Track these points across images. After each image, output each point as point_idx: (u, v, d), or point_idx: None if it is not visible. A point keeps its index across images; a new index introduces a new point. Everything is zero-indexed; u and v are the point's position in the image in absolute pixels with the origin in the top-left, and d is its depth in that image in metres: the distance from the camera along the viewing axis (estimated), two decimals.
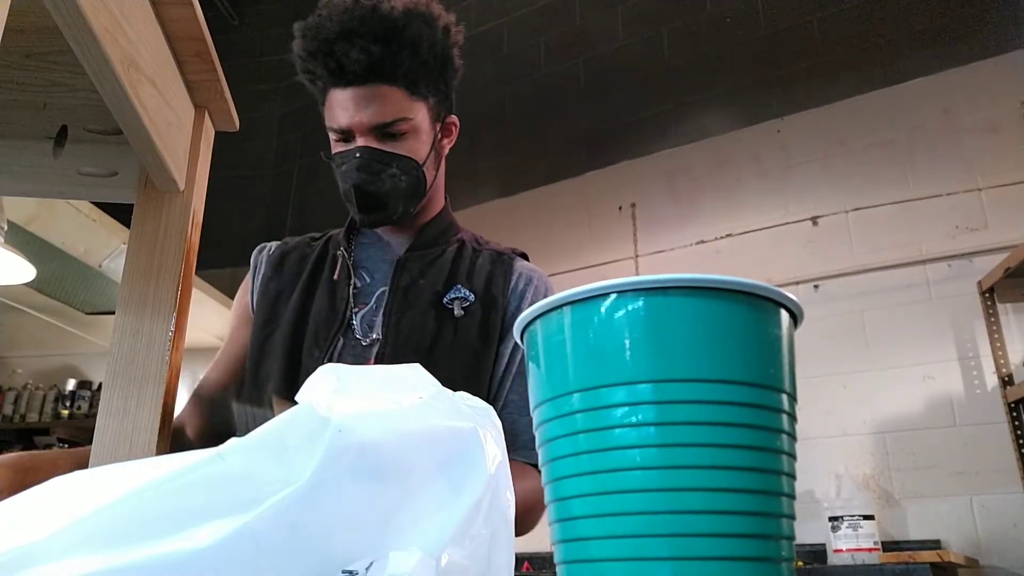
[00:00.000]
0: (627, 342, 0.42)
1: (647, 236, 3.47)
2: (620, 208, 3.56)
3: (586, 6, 3.99)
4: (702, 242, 3.33)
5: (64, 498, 0.28)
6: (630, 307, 0.43)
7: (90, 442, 0.58)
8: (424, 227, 1.17)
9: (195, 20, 0.56)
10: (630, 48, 3.82)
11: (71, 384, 4.48)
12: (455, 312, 1.08)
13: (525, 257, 1.22)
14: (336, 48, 1.02)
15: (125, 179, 0.64)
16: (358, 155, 1.05)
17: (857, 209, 3.05)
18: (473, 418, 0.38)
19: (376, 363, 1.04)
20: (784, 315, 0.46)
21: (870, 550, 2.43)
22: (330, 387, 0.34)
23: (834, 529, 2.50)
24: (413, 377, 0.40)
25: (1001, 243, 2.69)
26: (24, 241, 2.62)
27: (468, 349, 1.06)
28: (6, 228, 1.92)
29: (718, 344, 0.42)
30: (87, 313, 3.82)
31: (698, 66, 3.60)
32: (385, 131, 1.05)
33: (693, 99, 3.55)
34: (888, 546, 2.54)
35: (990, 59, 2.93)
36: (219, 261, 3.58)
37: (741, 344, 0.43)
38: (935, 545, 2.54)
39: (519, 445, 1.01)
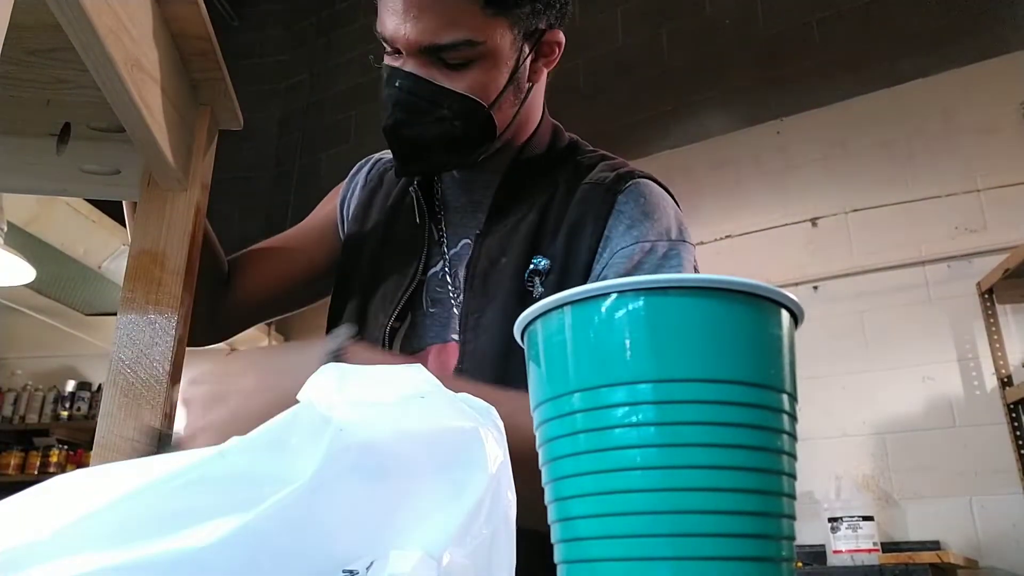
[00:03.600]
0: (627, 342, 0.42)
1: None
2: None
3: (586, 6, 3.99)
4: (701, 243, 3.33)
5: (66, 496, 0.29)
6: (630, 307, 0.43)
7: (90, 444, 0.57)
8: (512, 170, 0.90)
9: (199, 18, 0.57)
10: (630, 48, 3.82)
11: (71, 385, 4.47)
12: (534, 293, 0.82)
13: (650, 179, 0.91)
14: None
15: (128, 177, 0.64)
16: (398, 84, 0.79)
17: (857, 210, 3.05)
18: (475, 418, 0.38)
19: (457, 371, 0.84)
20: (784, 315, 0.46)
21: (869, 551, 2.43)
22: (331, 386, 0.34)
23: (833, 530, 2.50)
24: (414, 377, 0.40)
25: (1000, 244, 2.69)
26: (24, 242, 2.62)
27: None
28: (6, 229, 1.92)
29: (718, 344, 0.42)
30: (87, 314, 3.82)
31: (698, 67, 3.60)
32: (440, 55, 0.78)
33: (693, 100, 3.56)
34: (887, 547, 2.54)
35: (989, 60, 2.93)
36: None
37: (741, 344, 0.43)
38: (935, 546, 2.54)
39: None
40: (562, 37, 0.89)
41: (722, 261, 3.22)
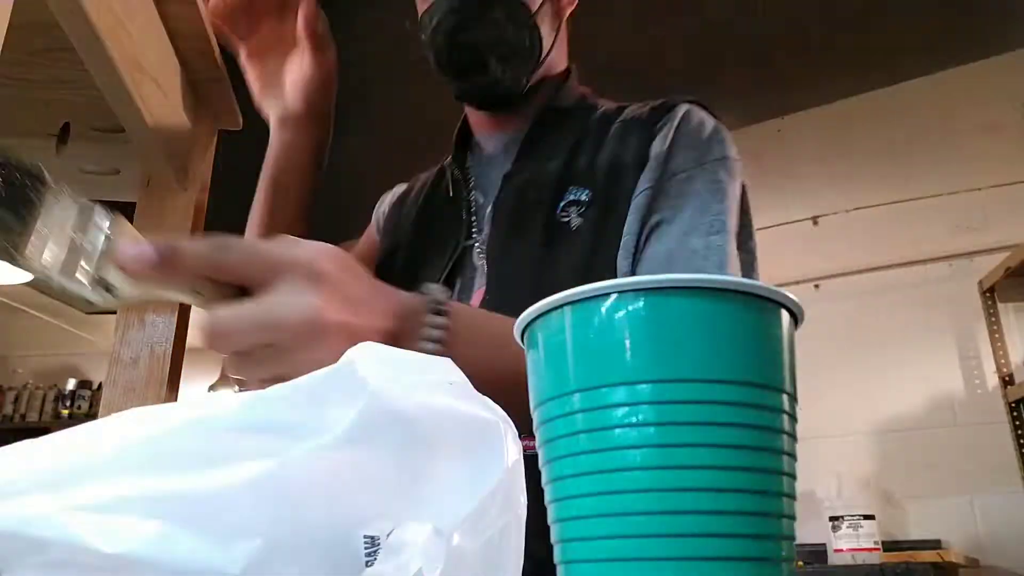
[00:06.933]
0: (627, 342, 0.43)
1: None
2: None
3: (585, 6, 3.99)
4: None
5: (122, 427, 0.30)
6: (630, 307, 0.43)
7: None
8: (541, 116, 0.91)
9: (198, 19, 0.57)
10: (629, 47, 3.82)
11: (71, 384, 4.48)
12: (571, 224, 0.79)
13: (701, 106, 0.87)
14: None
15: (127, 177, 0.64)
16: None
17: (857, 208, 3.05)
18: (498, 412, 0.39)
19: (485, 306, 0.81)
20: (784, 315, 0.46)
21: (871, 550, 2.43)
22: (372, 356, 0.35)
23: (835, 529, 2.50)
24: (444, 366, 0.41)
25: (1001, 243, 2.69)
26: None
27: (586, 268, 0.76)
28: None
29: (718, 344, 0.42)
30: (87, 313, 3.83)
31: (697, 64, 3.60)
32: None
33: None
34: (888, 546, 2.54)
35: (990, 59, 2.93)
36: None
37: (741, 344, 0.43)
38: (936, 545, 2.54)
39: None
40: None
41: None
